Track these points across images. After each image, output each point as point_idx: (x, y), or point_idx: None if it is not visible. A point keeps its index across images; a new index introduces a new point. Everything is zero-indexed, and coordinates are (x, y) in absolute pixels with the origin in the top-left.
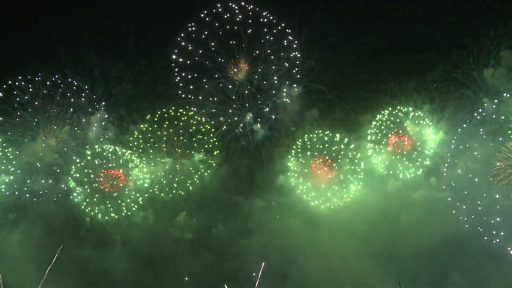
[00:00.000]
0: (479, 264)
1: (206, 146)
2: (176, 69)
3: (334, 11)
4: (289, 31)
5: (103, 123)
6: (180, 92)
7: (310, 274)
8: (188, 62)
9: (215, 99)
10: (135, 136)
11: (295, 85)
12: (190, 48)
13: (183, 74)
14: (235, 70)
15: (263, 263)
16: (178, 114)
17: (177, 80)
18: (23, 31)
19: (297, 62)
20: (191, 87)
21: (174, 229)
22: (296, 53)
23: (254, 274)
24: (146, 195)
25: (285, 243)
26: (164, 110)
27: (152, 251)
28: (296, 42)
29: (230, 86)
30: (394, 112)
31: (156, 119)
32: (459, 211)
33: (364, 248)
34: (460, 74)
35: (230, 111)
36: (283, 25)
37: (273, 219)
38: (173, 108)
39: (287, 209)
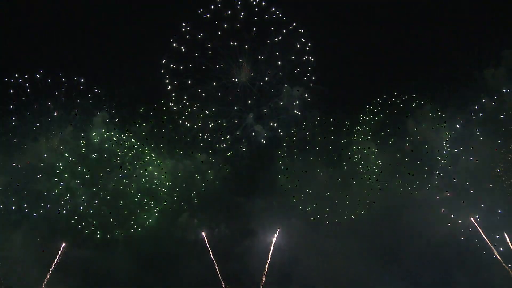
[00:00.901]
0: (483, 265)
1: (208, 147)
2: (167, 76)
3: (337, 12)
4: (302, 31)
5: (110, 126)
6: (171, 104)
7: (312, 274)
8: (181, 67)
9: (214, 105)
10: (137, 137)
11: (298, 89)
12: (185, 50)
13: (175, 83)
14: (236, 78)
15: (279, 229)
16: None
17: (168, 88)
18: (27, 31)
19: (300, 63)
20: (185, 97)
21: (177, 230)
22: (310, 57)
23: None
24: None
25: (287, 243)
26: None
27: (155, 252)
28: (309, 44)
29: (232, 95)
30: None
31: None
32: (461, 212)
33: (366, 248)
34: (461, 74)
35: (237, 116)
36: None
37: (275, 220)
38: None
39: (289, 210)
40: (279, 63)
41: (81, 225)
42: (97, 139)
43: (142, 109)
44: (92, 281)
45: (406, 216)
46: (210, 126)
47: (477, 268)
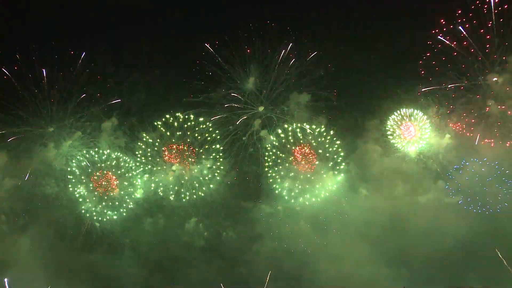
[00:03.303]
0: (492, 269)
1: (215, 154)
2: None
3: (344, 20)
4: (306, 38)
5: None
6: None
7: (320, 278)
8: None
9: (225, 106)
10: (145, 143)
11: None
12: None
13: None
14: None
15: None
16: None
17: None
18: (38, 38)
19: (307, 70)
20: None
21: (184, 235)
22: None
23: None
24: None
25: (295, 247)
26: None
27: (162, 257)
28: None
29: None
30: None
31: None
32: (469, 216)
33: (375, 252)
34: (466, 79)
35: (239, 121)
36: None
37: (282, 224)
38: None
39: (295, 214)
40: (287, 70)
41: (89, 229)
42: (106, 145)
43: (151, 117)
44: (99, 285)
45: (415, 220)
46: (217, 132)
47: (487, 273)
